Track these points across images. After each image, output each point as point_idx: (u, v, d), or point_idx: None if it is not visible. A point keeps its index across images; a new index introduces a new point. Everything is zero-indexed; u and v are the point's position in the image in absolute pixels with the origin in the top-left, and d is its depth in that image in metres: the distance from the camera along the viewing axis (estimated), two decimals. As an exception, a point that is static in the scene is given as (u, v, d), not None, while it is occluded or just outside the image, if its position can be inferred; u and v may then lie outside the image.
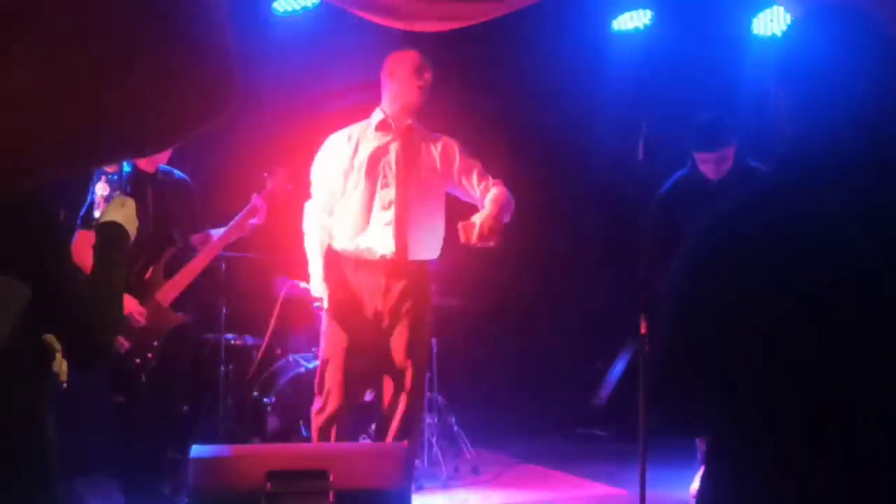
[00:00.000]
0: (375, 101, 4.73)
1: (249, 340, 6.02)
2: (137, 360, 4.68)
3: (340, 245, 4.52)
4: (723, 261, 1.62)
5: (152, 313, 4.69)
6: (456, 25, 4.89)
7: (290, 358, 5.77)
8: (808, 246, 1.57)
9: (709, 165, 5.08)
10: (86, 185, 4.66)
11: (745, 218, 1.64)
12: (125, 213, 2.27)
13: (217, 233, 5.06)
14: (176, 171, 4.97)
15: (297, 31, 5.85)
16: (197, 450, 3.80)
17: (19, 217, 1.97)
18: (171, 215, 4.85)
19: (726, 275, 1.60)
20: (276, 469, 3.62)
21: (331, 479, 3.61)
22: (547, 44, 6.87)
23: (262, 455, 3.83)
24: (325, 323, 4.57)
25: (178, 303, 4.85)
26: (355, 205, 4.47)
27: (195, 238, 5.04)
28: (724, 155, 5.04)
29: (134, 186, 4.68)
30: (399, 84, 4.50)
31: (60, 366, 2.08)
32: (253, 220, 4.97)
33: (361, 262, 4.50)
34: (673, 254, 5.12)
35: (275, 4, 5.58)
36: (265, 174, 5.18)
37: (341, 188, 4.50)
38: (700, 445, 5.41)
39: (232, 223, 4.98)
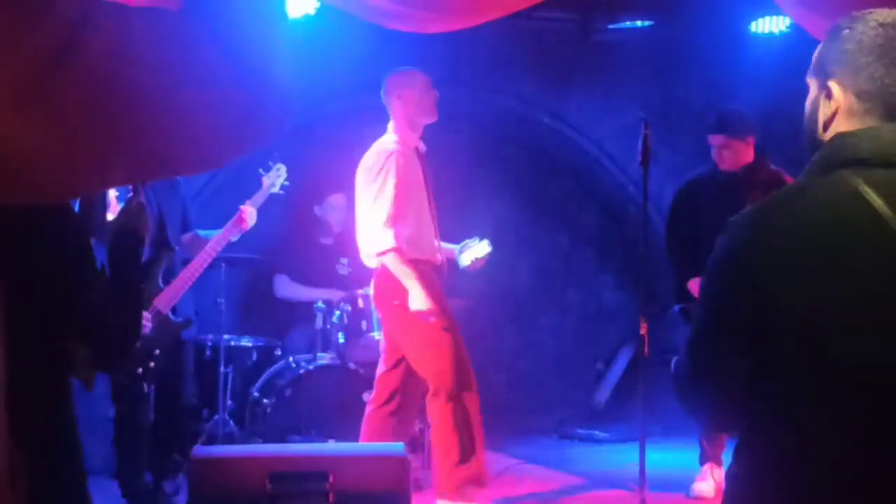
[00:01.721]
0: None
1: (249, 341, 6.02)
2: (140, 370, 4.66)
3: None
4: (762, 254, 1.64)
5: (153, 320, 4.69)
6: (457, 27, 4.89)
7: (291, 359, 5.77)
8: (846, 242, 1.59)
9: (714, 150, 5.26)
10: None
11: (781, 212, 1.67)
12: (140, 217, 2.28)
13: (205, 235, 5.05)
14: None
15: (299, 34, 5.86)
16: (198, 451, 3.80)
17: (47, 222, 1.98)
18: (164, 216, 4.83)
19: (765, 269, 1.63)
20: (277, 470, 3.62)
21: (331, 480, 3.61)
22: (543, 44, 6.86)
23: (262, 456, 3.83)
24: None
25: (177, 308, 4.84)
26: (425, 217, 4.72)
27: (184, 239, 5.03)
28: (728, 144, 5.19)
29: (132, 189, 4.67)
30: (417, 103, 4.78)
31: (85, 371, 2.10)
32: (242, 227, 5.01)
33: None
34: (690, 243, 5.13)
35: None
36: (260, 171, 5.18)
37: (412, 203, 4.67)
38: (703, 445, 5.41)
39: (222, 232, 4.98)
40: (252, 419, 5.62)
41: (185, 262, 4.94)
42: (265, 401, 5.49)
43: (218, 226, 5.09)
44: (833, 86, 1.74)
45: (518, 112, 7.09)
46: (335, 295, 6.02)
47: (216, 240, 4.96)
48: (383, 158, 4.61)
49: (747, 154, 5.21)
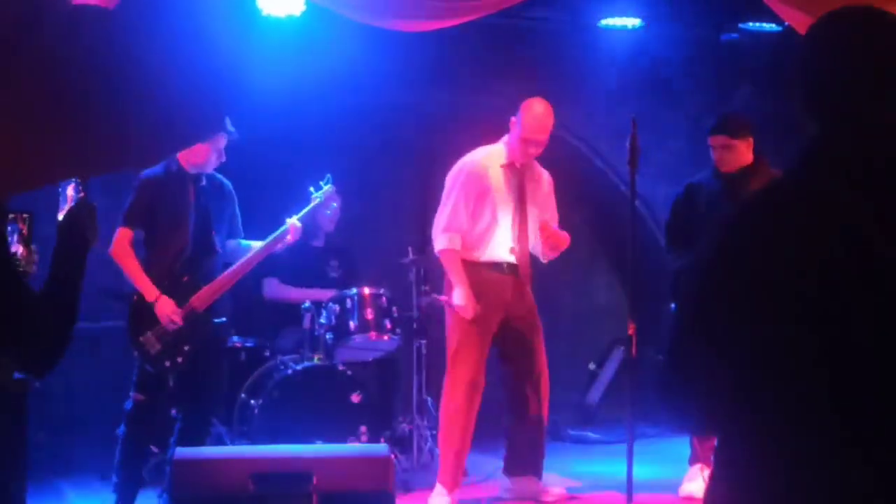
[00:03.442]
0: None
1: (238, 342, 5.99)
2: (167, 363, 4.66)
3: None
4: (743, 255, 1.63)
5: (187, 317, 4.68)
6: (443, 24, 4.88)
7: (279, 360, 5.73)
8: (827, 240, 1.58)
9: (715, 152, 5.26)
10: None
11: (768, 209, 1.67)
12: (88, 219, 2.20)
13: (246, 245, 5.05)
14: (217, 175, 4.96)
15: (285, 34, 5.85)
16: (180, 452, 3.79)
17: None
18: (212, 218, 4.84)
19: (746, 269, 1.62)
20: (260, 471, 3.61)
21: (314, 481, 3.60)
22: (533, 44, 6.85)
23: (245, 457, 3.82)
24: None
25: (214, 308, 4.84)
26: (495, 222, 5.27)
27: (228, 245, 5.04)
28: (729, 144, 5.19)
29: (176, 185, 4.70)
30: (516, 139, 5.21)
31: (5, 375, 2.04)
32: (287, 241, 5.03)
33: None
34: (690, 244, 5.09)
35: (261, 5, 5.55)
36: (311, 189, 5.18)
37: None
38: (694, 446, 5.40)
39: (265, 243, 5.00)
40: (240, 420, 5.58)
41: (227, 265, 4.95)
42: (252, 402, 5.45)
43: (259, 238, 5.09)
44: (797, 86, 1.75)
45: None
46: (324, 295, 5.99)
47: (258, 250, 4.98)
48: (453, 172, 5.24)
49: (747, 155, 5.22)
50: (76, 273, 2.16)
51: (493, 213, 5.17)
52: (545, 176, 5.46)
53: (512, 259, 5.22)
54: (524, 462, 5.37)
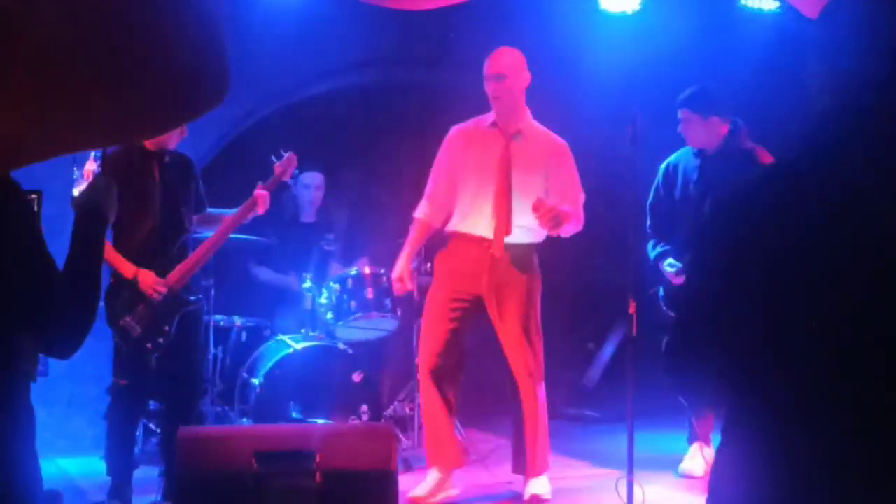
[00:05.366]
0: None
1: (238, 321, 6.00)
2: (149, 345, 4.64)
3: None
4: (751, 223, 1.64)
5: (165, 295, 4.66)
6: (443, 3, 4.87)
7: (279, 338, 5.75)
8: (837, 215, 1.58)
9: (680, 124, 5.19)
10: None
11: (773, 185, 1.67)
12: (107, 194, 2.15)
13: (216, 213, 5.03)
14: (178, 151, 4.91)
15: (287, 9, 5.83)
16: (184, 430, 3.80)
17: None
18: (179, 194, 4.80)
19: (754, 237, 1.63)
20: (263, 450, 3.62)
21: (318, 459, 3.61)
22: (535, 25, 6.83)
23: (249, 436, 3.84)
24: None
25: (189, 286, 4.82)
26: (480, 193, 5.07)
27: (197, 219, 5.01)
28: (689, 118, 5.14)
29: (140, 164, 4.66)
30: None
31: (27, 364, 2.00)
32: (256, 211, 4.98)
33: None
34: (668, 224, 5.08)
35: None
36: (273, 158, 5.15)
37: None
38: (693, 425, 5.43)
39: (235, 213, 4.96)
40: (241, 399, 5.60)
41: (198, 241, 4.92)
42: (254, 381, 5.47)
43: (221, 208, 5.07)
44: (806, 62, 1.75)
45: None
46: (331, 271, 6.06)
47: (230, 221, 4.93)
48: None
49: (712, 133, 5.12)
50: (99, 249, 2.13)
51: (474, 181, 4.93)
52: (549, 145, 5.06)
53: (489, 234, 4.93)
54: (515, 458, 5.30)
